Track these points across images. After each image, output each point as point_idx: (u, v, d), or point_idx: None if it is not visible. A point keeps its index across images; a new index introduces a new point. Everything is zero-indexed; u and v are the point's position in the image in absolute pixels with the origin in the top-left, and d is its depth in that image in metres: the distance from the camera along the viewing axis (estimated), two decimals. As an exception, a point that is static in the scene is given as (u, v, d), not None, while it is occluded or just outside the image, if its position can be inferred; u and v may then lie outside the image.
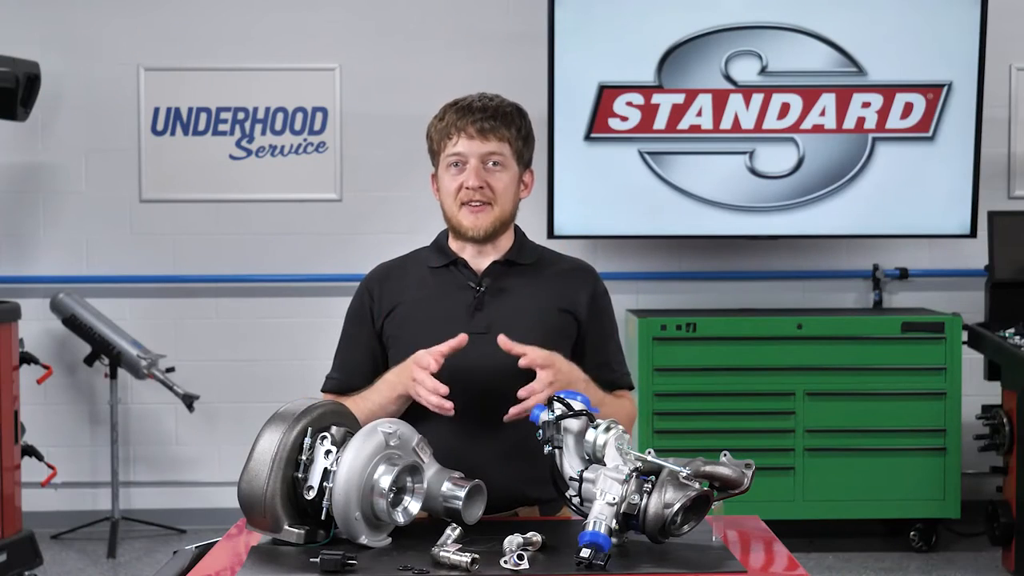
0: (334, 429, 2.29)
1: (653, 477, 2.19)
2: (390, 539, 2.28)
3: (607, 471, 2.21)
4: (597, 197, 5.50)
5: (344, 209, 5.81)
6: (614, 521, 2.16)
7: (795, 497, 5.22)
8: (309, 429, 2.28)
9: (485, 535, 2.24)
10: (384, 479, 2.22)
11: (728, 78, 5.46)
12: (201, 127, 5.77)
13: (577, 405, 2.31)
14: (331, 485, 2.22)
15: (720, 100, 5.46)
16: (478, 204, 2.66)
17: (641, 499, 2.17)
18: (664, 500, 2.16)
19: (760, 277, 5.86)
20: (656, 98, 5.46)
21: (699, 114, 5.46)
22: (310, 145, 5.79)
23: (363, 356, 2.75)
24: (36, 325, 5.65)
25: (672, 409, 5.21)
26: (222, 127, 5.77)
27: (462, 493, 2.31)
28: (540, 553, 2.20)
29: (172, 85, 5.76)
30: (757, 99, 5.47)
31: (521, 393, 2.47)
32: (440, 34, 5.78)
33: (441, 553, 2.12)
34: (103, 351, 5.47)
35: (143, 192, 5.78)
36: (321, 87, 5.77)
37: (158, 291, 5.80)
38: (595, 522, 2.14)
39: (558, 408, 2.31)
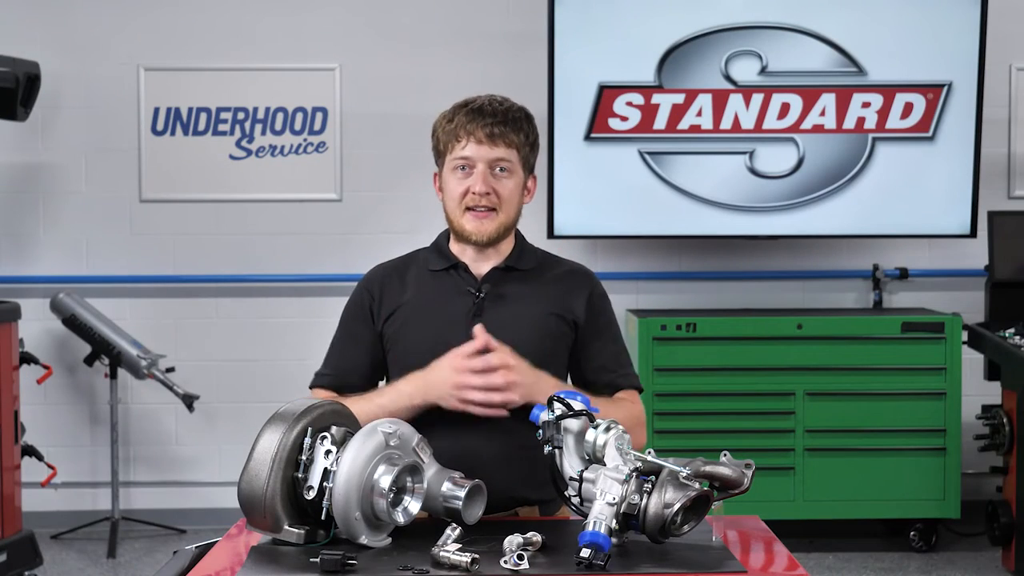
0: (334, 429, 2.29)
1: (653, 477, 2.19)
2: (390, 539, 2.28)
3: (607, 471, 2.21)
4: (597, 197, 5.50)
5: (344, 209, 5.81)
6: (614, 521, 2.16)
7: (795, 497, 5.22)
8: (309, 429, 2.28)
9: (485, 535, 2.24)
10: (384, 479, 2.22)
11: (728, 78, 5.46)
12: (201, 127, 5.77)
13: (577, 405, 2.31)
14: (331, 485, 2.22)
15: (720, 100, 5.46)
16: (483, 210, 2.66)
17: (641, 499, 2.17)
18: (664, 500, 2.16)
19: (760, 277, 5.86)
20: (656, 98, 5.46)
21: (699, 114, 5.46)
22: (310, 145, 5.79)
23: (362, 355, 2.74)
24: (36, 325, 5.65)
25: (672, 409, 5.21)
26: (222, 127, 5.77)
27: (462, 493, 2.31)
28: (540, 553, 2.19)
29: (172, 85, 5.76)
30: (757, 99, 5.47)
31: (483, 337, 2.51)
32: (440, 34, 5.79)
33: (441, 553, 2.12)
34: (103, 351, 5.47)
35: (143, 192, 5.78)
36: (321, 87, 5.77)
37: (158, 291, 5.80)
38: (595, 522, 2.14)
39: (558, 408, 2.31)
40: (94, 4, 5.75)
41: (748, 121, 5.47)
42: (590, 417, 2.30)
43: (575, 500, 2.26)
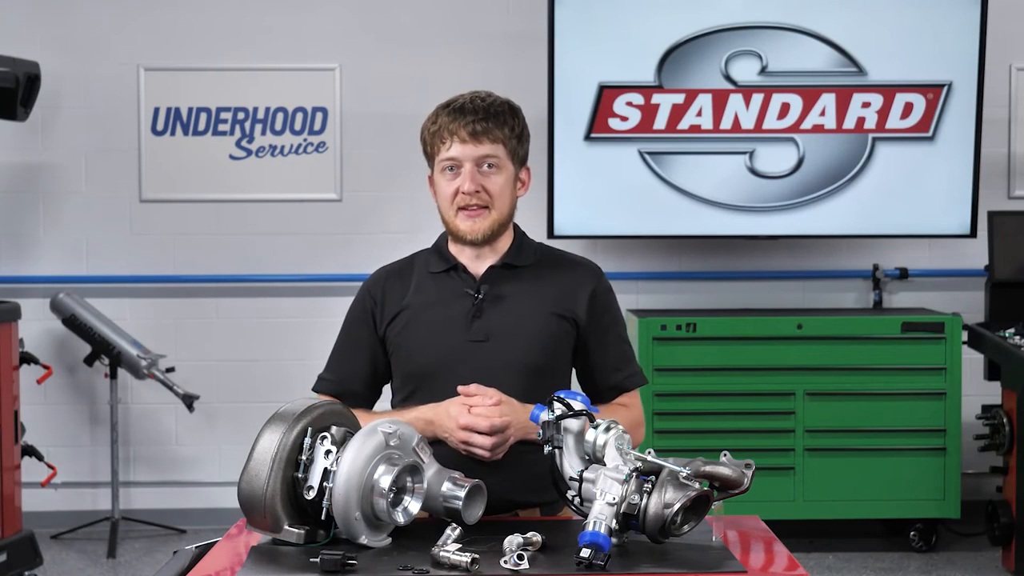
0: (334, 429, 2.29)
1: (653, 477, 2.19)
2: (390, 539, 2.28)
3: (607, 471, 2.21)
4: (597, 197, 5.50)
5: (344, 209, 5.81)
6: (614, 521, 2.16)
7: (795, 497, 5.22)
8: (309, 429, 2.28)
9: (485, 535, 2.24)
10: (384, 479, 2.22)
11: (728, 78, 5.46)
12: (201, 127, 5.77)
13: (577, 405, 2.31)
14: (331, 485, 2.22)
15: (720, 100, 5.46)
16: (475, 208, 2.65)
17: (641, 499, 2.17)
18: (664, 500, 2.16)
19: (760, 277, 5.86)
20: (656, 98, 5.46)
21: (699, 114, 5.46)
22: (310, 145, 5.79)
23: (363, 360, 2.74)
24: (36, 325, 5.65)
25: (672, 409, 5.21)
26: (222, 127, 5.77)
27: (462, 493, 2.30)
28: (540, 553, 2.19)
29: (172, 85, 5.76)
30: (757, 99, 5.47)
31: (473, 389, 2.51)
32: (440, 34, 5.79)
33: (441, 553, 2.12)
34: (103, 351, 5.47)
35: (143, 192, 5.78)
36: (321, 87, 5.77)
37: (158, 291, 5.80)
38: (595, 522, 2.14)
39: (558, 408, 2.31)
40: (94, 4, 5.75)
41: (748, 121, 5.47)
42: (590, 417, 2.30)
43: (575, 500, 2.26)
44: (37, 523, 5.36)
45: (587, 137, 5.45)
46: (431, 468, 2.33)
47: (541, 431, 2.31)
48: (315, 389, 2.76)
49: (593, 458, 2.27)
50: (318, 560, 2.11)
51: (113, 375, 5.50)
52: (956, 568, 5.15)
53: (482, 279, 2.70)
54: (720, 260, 5.85)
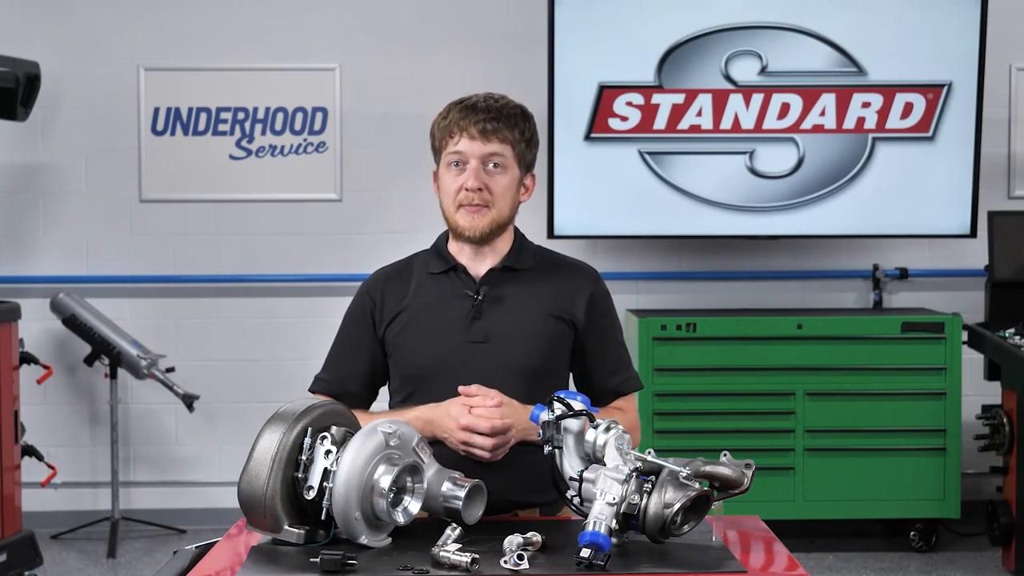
0: (334, 429, 2.29)
1: (653, 477, 2.19)
2: (390, 539, 2.28)
3: (607, 471, 2.21)
4: (597, 197, 5.50)
5: (344, 209, 5.81)
6: (614, 521, 2.16)
7: (795, 497, 5.22)
8: (309, 429, 2.28)
9: (485, 535, 2.24)
10: (384, 479, 2.22)
11: (728, 78, 5.46)
12: (201, 127, 5.77)
13: (577, 405, 2.31)
14: (331, 485, 2.22)
15: (720, 100, 5.46)
16: (476, 206, 2.65)
17: (641, 499, 2.17)
18: (664, 500, 2.16)
19: (760, 277, 5.86)
20: (656, 98, 5.46)
21: (699, 114, 5.46)
22: (310, 145, 5.79)
23: (362, 361, 2.74)
24: (36, 325, 5.65)
25: (672, 409, 5.21)
26: (222, 127, 5.77)
27: (462, 493, 2.30)
28: (540, 553, 2.19)
29: (172, 85, 5.76)
30: (757, 99, 5.47)
31: (474, 390, 2.51)
32: (440, 34, 5.79)
33: (441, 553, 2.12)
34: (103, 351, 5.47)
35: (143, 192, 5.78)
36: (321, 87, 5.77)
37: (158, 291, 5.80)
38: (595, 522, 2.14)
39: (558, 408, 2.31)
40: (94, 4, 5.75)
41: (748, 121, 5.47)
42: (590, 417, 2.30)
43: (575, 500, 2.26)
44: (37, 523, 5.36)
45: (587, 137, 5.46)
46: (431, 468, 2.33)
47: (541, 431, 2.31)
48: (312, 389, 2.76)
49: (593, 458, 2.27)
50: (318, 560, 2.11)
51: (113, 375, 5.50)
52: (956, 568, 5.15)
53: (482, 281, 2.71)
54: (720, 260, 5.85)
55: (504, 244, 2.74)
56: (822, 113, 5.47)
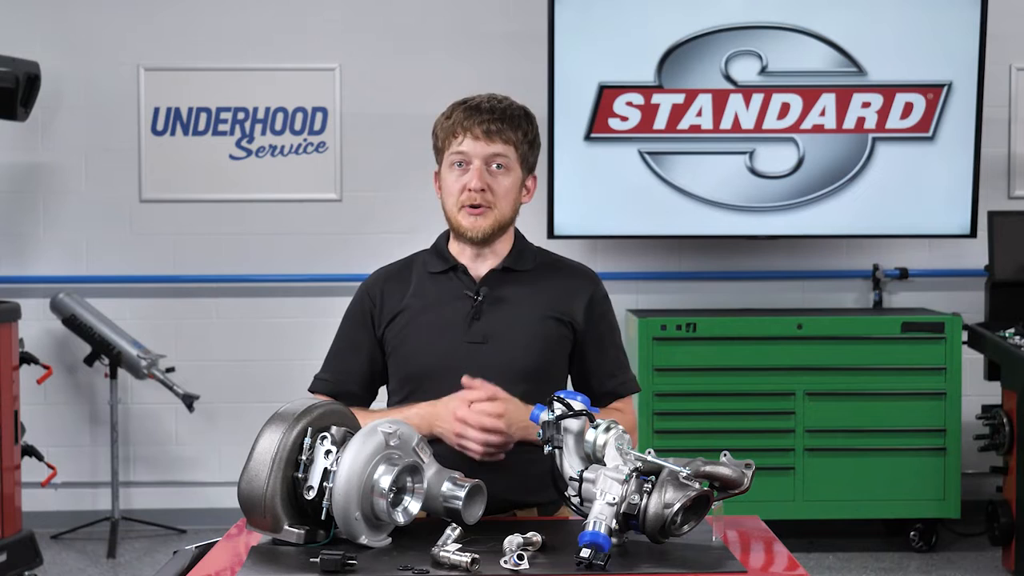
0: (334, 429, 2.29)
1: (653, 477, 2.19)
2: (390, 539, 2.28)
3: (607, 471, 2.21)
4: (597, 197, 5.50)
5: (344, 209, 5.81)
6: (614, 521, 2.16)
7: (795, 497, 5.22)
8: (309, 429, 2.28)
9: (485, 535, 2.24)
10: (384, 479, 2.22)
11: (728, 78, 5.46)
12: (201, 127, 5.77)
13: (577, 405, 2.31)
14: (331, 485, 2.22)
15: (720, 100, 5.46)
16: (479, 207, 2.65)
17: (641, 499, 2.17)
18: (664, 500, 2.16)
19: (760, 277, 5.86)
20: (656, 98, 5.46)
21: (699, 114, 5.46)
22: (310, 145, 5.79)
23: (361, 361, 2.73)
24: (36, 325, 5.65)
25: (672, 409, 5.21)
26: (222, 127, 5.77)
27: (462, 493, 2.30)
28: (540, 553, 2.19)
29: (172, 85, 5.76)
30: (757, 99, 5.47)
31: (475, 383, 2.51)
32: (440, 34, 5.79)
33: (441, 553, 2.12)
34: (103, 351, 5.47)
35: (143, 192, 5.78)
36: (321, 87, 5.77)
37: (158, 291, 5.80)
38: (595, 522, 2.14)
39: (558, 408, 2.31)
40: (94, 4, 5.75)
41: (748, 121, 5.47)
42: (590, 417, 2.30)
43: (575, 500, 2.26)
44: (37, 523, 5.36)
45: (587, 137, 5.46)
46: (431, 468, 2.33)
47: (541, 431, 2.31)
48: (312, 389, 2.76)
49: (593, 458, 2.27)
50: (318, 560, 2.11)
51: (113, 375, 5.50)
52: (956, 568, 5.15)
53: (482, 281, 2.71)
54: (720, 260, 5.85)
55: (505, 245, 2.74)
56: (822, 113, 5.47)
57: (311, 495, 2.24)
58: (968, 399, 5.27)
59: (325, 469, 2.24)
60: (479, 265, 2.72)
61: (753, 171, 5.50)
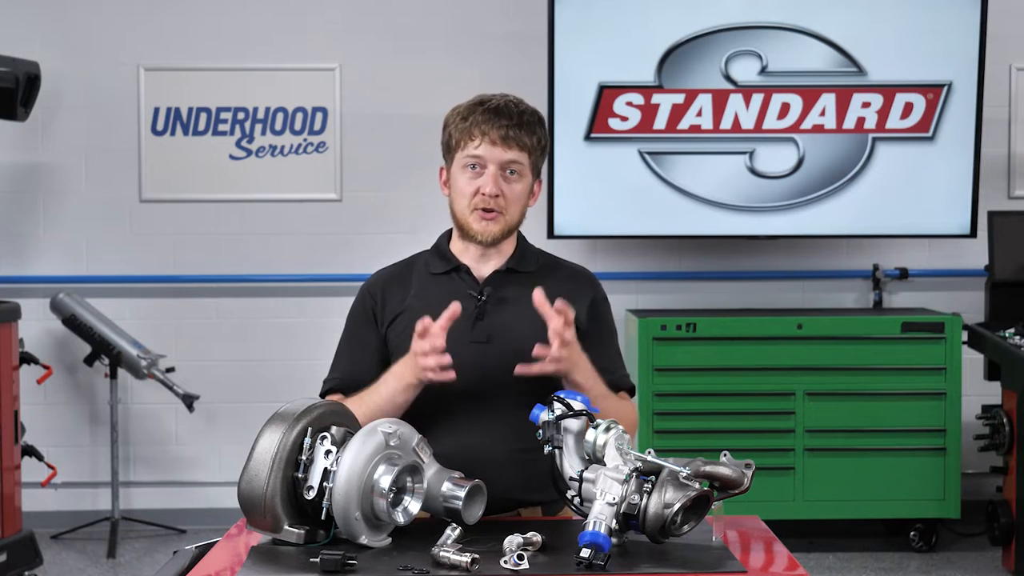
0: (334, 429, 2.29)
1: (653, 477, 2.19)
2: (390, 539, 2.28)
3: (607, 471, 2.21)
4: (597, 197, 5.50)
5: (344, 209, 5.81)
6: (614, 521, 2.16)
7: (795, 497, 5.22)
8: (309, 429, 2.28)
9: (485, 535, 2.24)
10: (384, 479, 2.22)
11: (728, 78, 5.46)
12: (201, 127, 5.77)
13: (577, 405, 2.31)
14: (331, 485, 2.22)
15: (720, 100, 5.46)
16: (491, 211, 2.65)
17: (641, 499, 2.17)
18: (664, 500, 2.16)
19: (760, 277, 5.86)
20: (656, 98, 5.46)
21: (699, 114, 5.46)
22: (310, 145, 5.79)
23: (370, 359, 2.72)
24: (36, 325, 5.65)
25: (672, 409, 5.21)
26: (222, 127, 5.77)
27: (462, 493, 2.30)
28: (540, 553, 2.20)
29: (172, 85, 5.76)
30: (757, 99, 5.47)
31: (536, 352, 2.48)
32: (440, 34, 5.79)
33: (441, 553, 2.12)
34: (103, 351, 5.47)
35: (143, 192, 5.78)
36: (321, 87, 5.77)
37: (158, 291, 5.80)
38: (595, 522, 2.14)
39: (558, 408, 2.31)
40: (94, 4, 5.75)
41: (748, 121, 5.47)
42: (590, 417, 2.31)
43: (575, 500, 2.26)
44: (37, 523, 5.36)
45: (587, 137, 5.46)
46: (431, 468, 2.34)
47: (541, 431, 2.31)
48: (322, 392, 2.74)
49: (593, 458, 2.27)
50: (318, 560, 2.11)
51: (113, 375, 5.50)
52: (956, 568, 5.15)
53: (486, 282, 2.71)
54: (720, 260, 5.85)
55: (508, 246, 2.74)
56: (822, 113, 5.47)
57: (311, 495, 2.24)
58: (968, 399, 5.27)
59: (325, 469, 2.24)
60: (483, 265, 2.73)
61: (753, 171, 5.50)
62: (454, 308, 2.51)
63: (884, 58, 5.47)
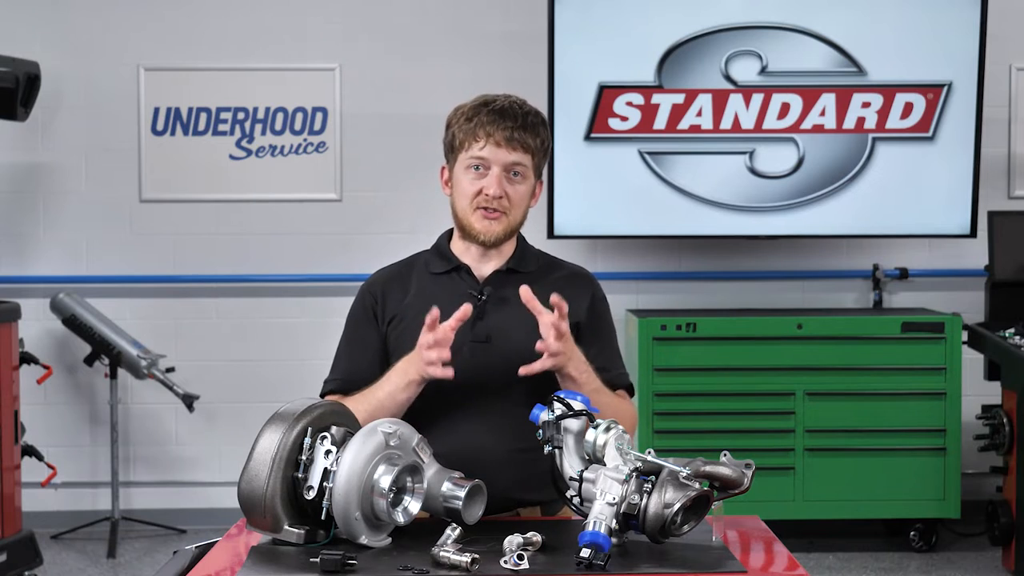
0: (334, 429, 2.29)
1: (653, 477, 2.19)
2: (390, 539, 2.28)
3: (607, 471, 2.21)
4: (597, 197, 5.50)
5: (344, 209, 5.81)
6: (614, 521, 2.16)
7: (795, 497, 5.22)
8: (309, 429, 2.28)
9: (485, 535, 2.24)
10: (384, 479, 2.22)
11: (728, 78, 5.46)
12: (201, 127, 5.77)
13: (577, 405, 2.31)
14: (331, 485, 2.22)
15: (720, 100, 5.46)
16: (494, 212, 2.65)
17: (641, 499, 2.17)
18: (664, 500, 2.16)
19: (760, 277, 5.86)
20: (656, 98, 5.46)
21: (699, 114, 5.46)
22: (310, 145, 5.79)
23: (370, 359, 2.72)
24: (36, 325, 5.65)
25: (672, 409, 5.21)
26: (222, 127, 5.77)
27: (462, 493, 2.31)
28: (540, 553, 2.20)
29: (172, 85, 5.76)
30: (757, 99, 5.47)
31: (538, 347, 2.49)
32: (440, 34, 5.79)
33: (441, 553, 2.12)
34: (103, 351, 5.47)
35: (143, 192, 5.78)
36: (321, 87, 5.77)
37: (158, 291, 5.80)
38: (595, 522, 2.14)
39: (558, 408, 2.31)
40: (94, 4, 5.75)
41: (748, 121, 5.47)
42: (590, 417, 2.31)
43: (575, 500, 2.26)
44: (37, 523, 5.36)
45: (587, 137, 5.46)
46: (431, 468, 2.34)
47: (541, 431, 2.31)
48: (323, 394, 2.74)
49: (593, 458, 2.27)
50: (318, 560, 2.11)
51: (113, 375, 5.50)
52: (956, 568, 5.15)
53: (486, 281, 2.71)
54: (720, 260, 5.85)
55: (508, 247, 2.75)
56: (822, 113, 5.47)
57: (311, 495, 2.24)
58: (968, 399, 5.27)
59: (325, 469, 2.24)
60: (483, 265, 2.73)
61: (753, 171, 5.51)
62: (464, 309, 2.51)
63: (884, 58, 5.47)
